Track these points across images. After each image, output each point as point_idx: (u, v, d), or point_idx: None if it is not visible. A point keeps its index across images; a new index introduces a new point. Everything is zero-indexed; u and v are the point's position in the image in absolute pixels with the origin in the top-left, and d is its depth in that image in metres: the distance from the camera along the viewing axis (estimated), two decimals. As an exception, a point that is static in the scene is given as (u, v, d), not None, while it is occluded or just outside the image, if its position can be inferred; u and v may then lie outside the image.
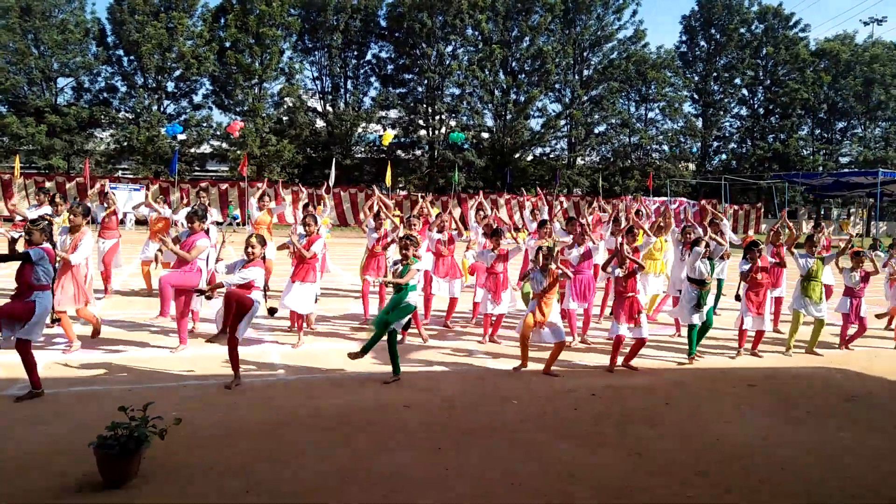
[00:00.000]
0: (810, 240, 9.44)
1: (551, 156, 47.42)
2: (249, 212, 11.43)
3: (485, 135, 45.22)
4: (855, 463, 5.17)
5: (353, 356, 6.81)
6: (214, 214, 10.61)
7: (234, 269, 6.60)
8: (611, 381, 7.25)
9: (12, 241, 6.10)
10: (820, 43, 50.58)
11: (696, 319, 8.18)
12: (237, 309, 6.31)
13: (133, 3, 36.83)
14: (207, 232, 8.48)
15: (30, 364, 5.75)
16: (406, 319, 7.03)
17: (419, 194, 21.81)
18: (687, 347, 8.34)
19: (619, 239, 8.13)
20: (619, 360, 7.84)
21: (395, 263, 7.23)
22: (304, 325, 8.59)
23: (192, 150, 40.66)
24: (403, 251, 7.19)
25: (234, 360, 6.45)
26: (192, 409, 5.64)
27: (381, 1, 43.77)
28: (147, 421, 4.37)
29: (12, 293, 5.91)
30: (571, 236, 9.24)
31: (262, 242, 6.78)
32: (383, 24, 44.31)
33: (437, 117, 44.78)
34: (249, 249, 6.62)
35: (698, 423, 5.97)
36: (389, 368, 7.02)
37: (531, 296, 7.56)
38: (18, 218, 10.98)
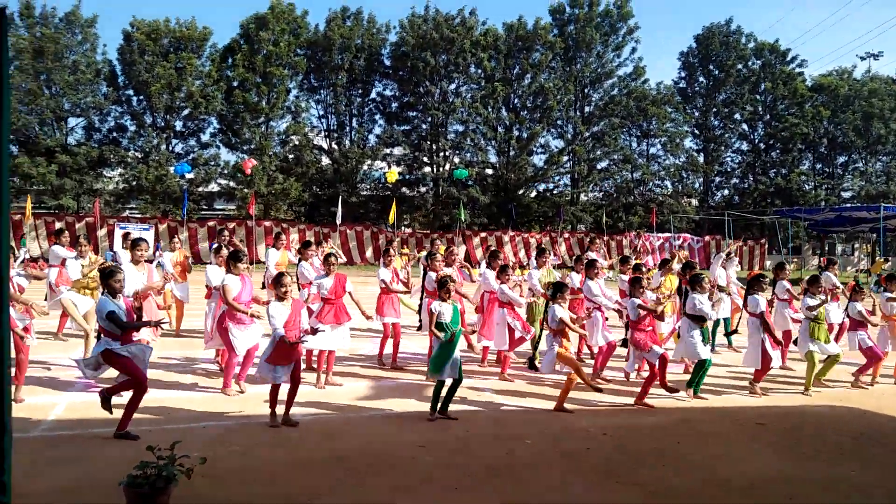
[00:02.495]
0: (815, 280, 9.31)
1: (555, 192, 47.74)
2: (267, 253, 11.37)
3: (488, 171, 45.63)
4: (863, 500, 5.27)
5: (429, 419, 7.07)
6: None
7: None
8: (621, 421, 7.36)
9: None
10: (816, 79, 51.11)
11: (706, 354, 8.27)
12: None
13: (143, 43, 37.58)
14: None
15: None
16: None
17: (426, 231, 22.00)
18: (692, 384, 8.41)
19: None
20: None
21: (438, 308, 7.18)
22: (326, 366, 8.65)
23: (200, 189, 41.07)
24: (446, 294, 7.29)
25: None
26: (214, 449, 5.76)
27: (384, 40, 44.62)
28: (174, 460, 4.48)
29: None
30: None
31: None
32: (387, 62, 45.02)
33: (441, 154, 45.30)
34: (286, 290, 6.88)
35: (709, 461, 6.07)
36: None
37: (545, 332, 7.87)
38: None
